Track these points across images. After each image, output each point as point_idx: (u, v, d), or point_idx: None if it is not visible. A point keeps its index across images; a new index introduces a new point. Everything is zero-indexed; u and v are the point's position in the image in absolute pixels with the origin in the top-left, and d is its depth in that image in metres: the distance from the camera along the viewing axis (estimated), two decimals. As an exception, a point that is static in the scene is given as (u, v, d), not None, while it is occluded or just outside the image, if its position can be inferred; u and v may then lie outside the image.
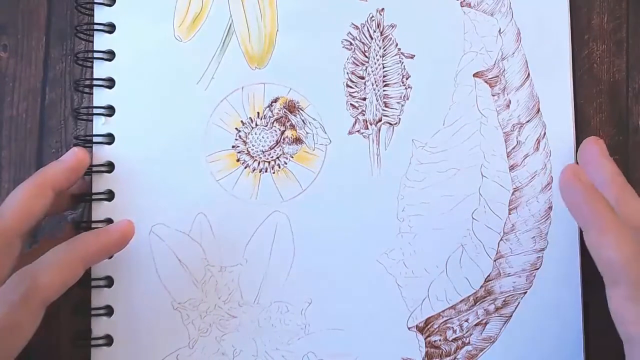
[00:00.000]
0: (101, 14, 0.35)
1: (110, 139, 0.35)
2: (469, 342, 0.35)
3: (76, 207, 0.36)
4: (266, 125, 0.35)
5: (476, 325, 0.35)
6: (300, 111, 0.35)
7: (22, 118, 0.36)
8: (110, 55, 0.35)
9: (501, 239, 0.35)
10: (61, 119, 0.36)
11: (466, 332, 0.35)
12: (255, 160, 0.35)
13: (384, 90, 0.36)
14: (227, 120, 0.35)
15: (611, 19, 0.37)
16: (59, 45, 0.37)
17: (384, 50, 0.36)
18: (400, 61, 0.36)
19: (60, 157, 0.33)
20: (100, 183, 0.35)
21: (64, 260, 0.30)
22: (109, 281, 0.34)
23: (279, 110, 0.35)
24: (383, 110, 0.35)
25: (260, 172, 0.35)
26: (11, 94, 0.37)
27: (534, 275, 0.35)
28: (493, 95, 0.36)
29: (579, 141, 0.35)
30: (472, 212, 0.35)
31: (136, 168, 0.35)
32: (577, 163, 0.34)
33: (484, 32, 0.36)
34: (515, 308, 0.35)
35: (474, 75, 0.36)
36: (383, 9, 0.36)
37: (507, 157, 0.35)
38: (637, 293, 0.28)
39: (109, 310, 0.34)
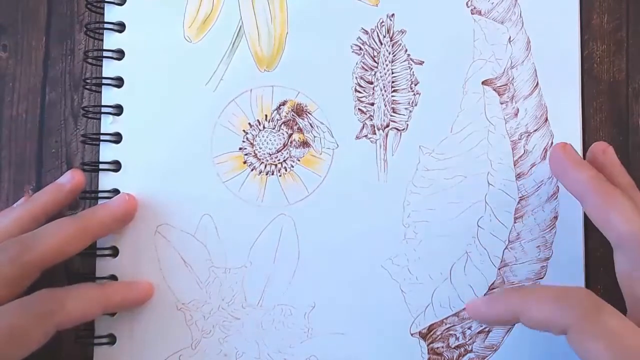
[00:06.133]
0: (111, 13, 0.35)
1: (117, 137, 0.35)
2: (471, 350, 0.35)
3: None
4: (274, 128, 0.35)
5: (479, 333, 0.35)
6: (308, 115, 0.35)
7: (22, 118, 0.36)
8: (120, 54, 0.35)
9: (506, 248, 0.35)
10: (61, 119, 0.36)
11: (469, 340, 0.35)
12: (262, 162, 0.35)
13: (392, 96, 0.36)
14: (235, 122, 0.35)
15: (611, 19, 0.37)
16: (59, 45, 0.37)
17: (393, 56, 0.36)
18: (409, 67, 0.36)
19: (107, 200, 0.34)
20: (107, 181, 0.35)
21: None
22: (113, 279, 0.34)
23: (287, 114, 0.35)
24: (391, 115, 0.35)
25: (266, 174, 0.35)
26: (11, 94, 0.36)
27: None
28: (501, 104, 0.36)
29: (586, 151, 0.35)
30: (478, 219, 0.35)
31: (143, 167, 0.35)
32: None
33: (494, 40, 0.36)
34: (519, 317, 0.35)
35: (482, 82, 0.36)
36: (393, 15, 0.36)
37: (514, 165, 0.35)
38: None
39: (112, 309, 0.34)
